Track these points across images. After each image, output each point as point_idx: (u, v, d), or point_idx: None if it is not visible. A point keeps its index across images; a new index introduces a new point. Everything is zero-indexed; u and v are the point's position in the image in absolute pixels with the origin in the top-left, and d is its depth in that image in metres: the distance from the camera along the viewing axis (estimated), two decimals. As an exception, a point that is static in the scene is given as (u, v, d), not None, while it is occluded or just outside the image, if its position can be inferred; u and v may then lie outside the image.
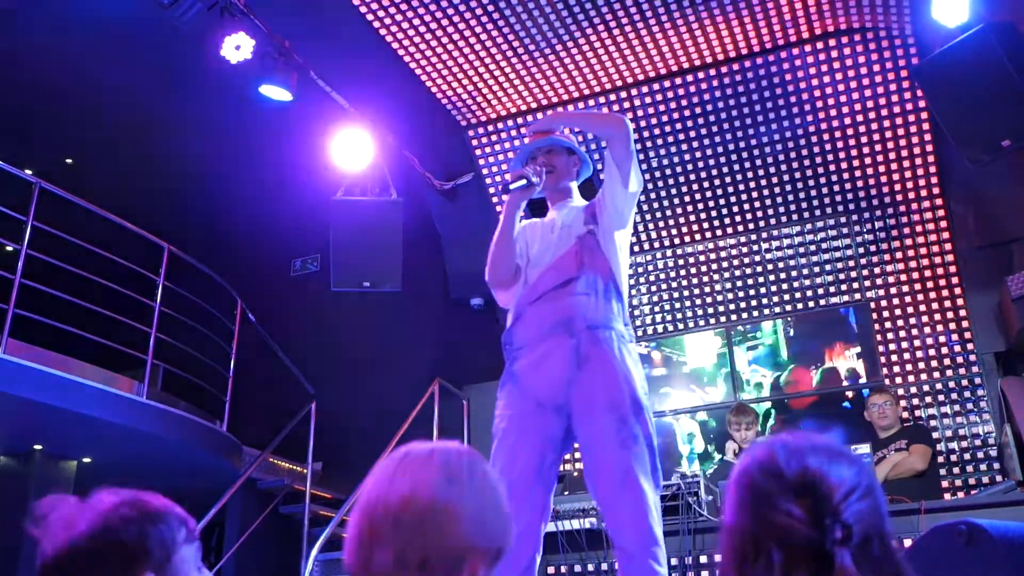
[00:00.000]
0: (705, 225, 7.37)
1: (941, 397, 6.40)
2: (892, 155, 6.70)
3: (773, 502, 1.21)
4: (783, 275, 7.13)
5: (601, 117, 3.08)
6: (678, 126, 6.98)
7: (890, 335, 6.65)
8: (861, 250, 6.92)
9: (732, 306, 7.23)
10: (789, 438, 1.30)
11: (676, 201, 7.34)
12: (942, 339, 6.51)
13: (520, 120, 7.20)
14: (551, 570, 4.80)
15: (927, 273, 6.67)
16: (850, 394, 6.59)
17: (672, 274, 7.48)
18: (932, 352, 6.52)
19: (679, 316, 7.37)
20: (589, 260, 3.00)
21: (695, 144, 7.03)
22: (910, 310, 6.65)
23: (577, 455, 6.60)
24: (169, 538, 1.41)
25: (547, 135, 3.24)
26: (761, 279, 7.19)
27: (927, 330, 6.57)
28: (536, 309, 2.98)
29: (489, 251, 3.12)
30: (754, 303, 7.17)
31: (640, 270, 7.59)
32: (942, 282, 6.62)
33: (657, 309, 7.45)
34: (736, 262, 7.30)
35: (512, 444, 2.85)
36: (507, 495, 2.73)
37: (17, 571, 5.69)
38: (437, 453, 1.28)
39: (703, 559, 4.54)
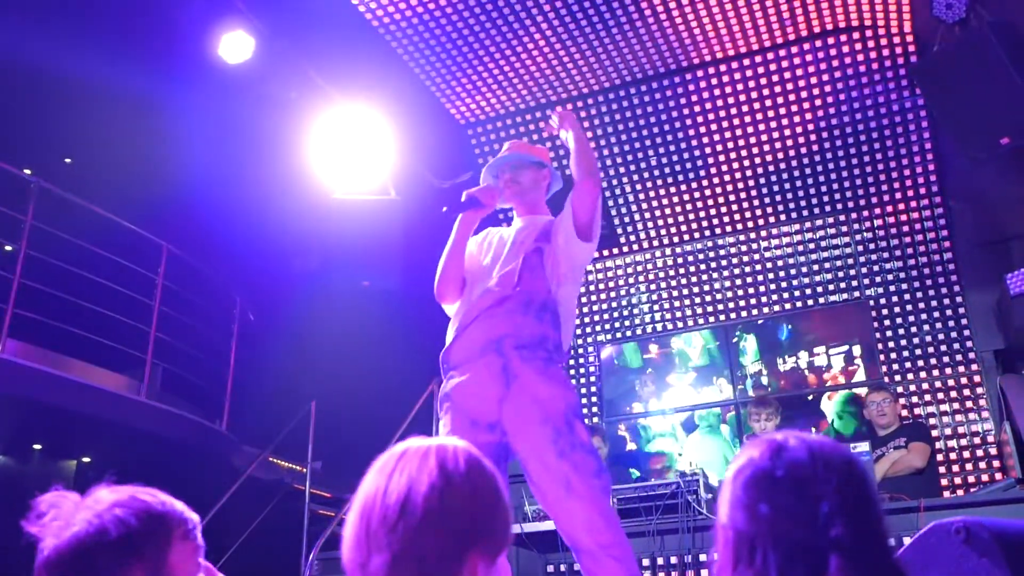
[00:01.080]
0: (704, 223, 7.37)
1: (940, 395, 6.40)
2: (891, 153, 6.70)
3: (769, 501, 1.22)
4: (782, 273, 7.13)
5: (592, 165, 3.04)
6: (677, 124, 6.98)
7: (889, 333, 6.65)
8: (860, 248, 6.92)
9: (731, 304, 7.23)
10: (784, 438, 1.30)
11: (675, 199, 7.34)
12: (941, 337, 6.51)
13: (519, 119, 7.20)
14: (551, 568, 4.81)
15: (926, 271, 6.67)
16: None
17: (671, 272, 7.48)
18: (931, 350, 6.51)
19: (678, 314, 7.37)
20: (528, 278, 3.01)
21: (694, 142, 7.03)
22: (909, 308, 6.65)
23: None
24: (163, 536, 1.40)
25: (518, 149, 3.29)
26: (760, 277, 7.19)
27: (926, 328, 6.57)
28: (471, 329, 2.99)
29: (439, 266, 3.16)
30: (753, 301, 7.17)
31: (639, 268, 7.59)
32: (941, 280, 6.62)
33: (656, 307, 7.45)
34: (735, 260, 7.30)
35: None
36: None
37: (17, 570, 5.69)
38: (434, 451, 1.27)
39: (702, 557, 4.55)
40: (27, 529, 1.40)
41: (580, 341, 7.57)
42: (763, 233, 7.25)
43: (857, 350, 6.65)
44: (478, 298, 3.04)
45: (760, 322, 7.04)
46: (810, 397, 6.73)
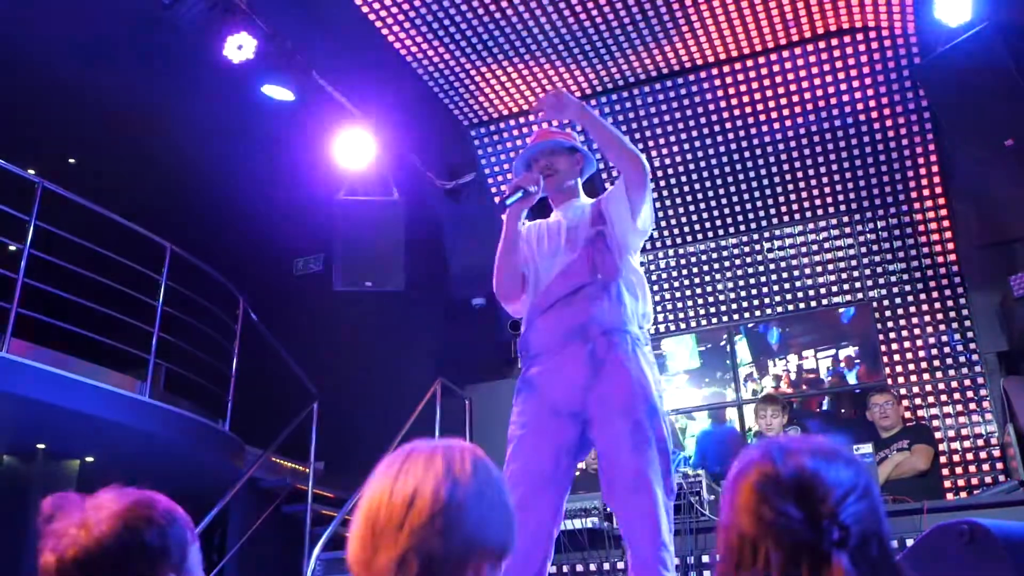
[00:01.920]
0: (707, 225, 7.37)
1: (943, 397, 6.40)
2: (894, 154, 6.70)
3: (770, 503, 1.21)
4: (785, 275, 7.12)
5: (627, 149, 2.97)
6: (680, 125, 6.98)
7: (892, 335, 6.65)
8: (863, 249, 6.92)
9: (734, 305, 7.23)
10: (786, 439, 1.30)
11: (678, 200, 7.34)
12: (944, 339, 6.50)
13: (522, 120, 7.20)
14: (552, 569, 4.80)
15: (929, 273, 6.67)
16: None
17: (674, 273, 7.48)
18: (934, 352, 6.51)
19: (681, 315, 7.37)
20: (600, 263, 2.99)
21: (697, 144, 7.02)
22: (912, 310, 6.65)
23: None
24: (184, 538, 1.41)
25: (548, 137, 3.23)
26: (763, 279, 7.19)
27: (929, 329, 6.56)
28: (550, 316, 2.96)
29: (494, 264, 3.11)
30: (756, 303, 7.16)
31: (642, 269, 7.57)
32: (944, 282, 6.61)
33: (659, 308, 7.44)
34: (738, 262, 7.31)
35: (527, 449, 2.86)
36: (520, 499, 2.74)
37: (20, 570, 5.70)
38: (441, 452, 1.27)
39: (705, 559, 4.55)
40: (38, 529, 1.39)
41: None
42: (766, 234, 7.25)
43: (845, 353, 6.60)
44: (549, 286, 3.01)
45: (750, 325, 7.03)
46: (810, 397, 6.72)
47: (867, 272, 6.87)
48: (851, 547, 1.19)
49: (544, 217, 3.28)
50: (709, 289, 7.34)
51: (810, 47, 6.44)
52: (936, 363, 6.49)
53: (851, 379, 6.51)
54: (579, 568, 4.80)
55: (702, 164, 7.11)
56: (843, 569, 1.17)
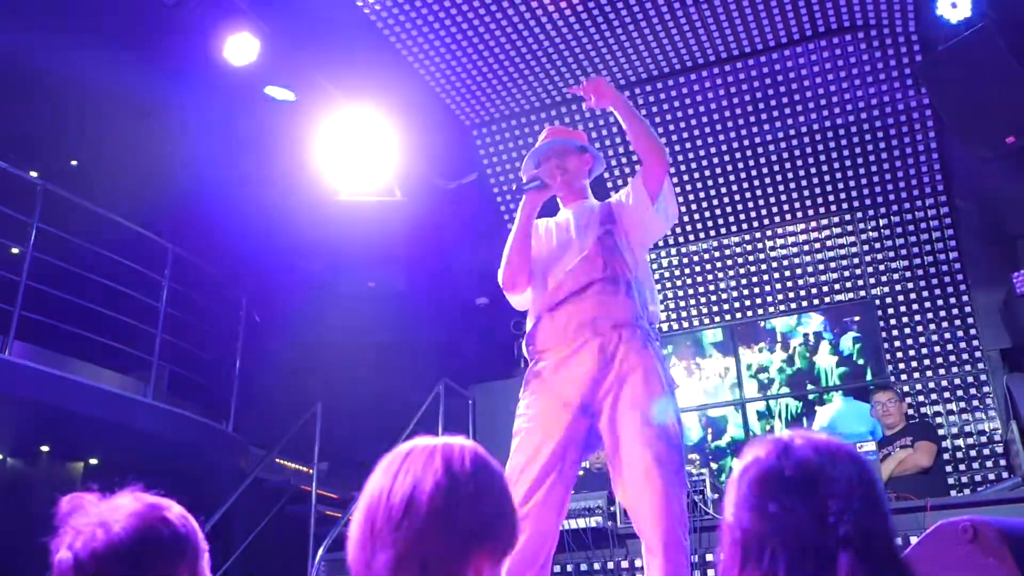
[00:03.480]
0: (709, 223, 7.36)
1: (947, 394, 6.39)
2: (896, 152, 6.69)
3: (776, 500, 1.21)
4: (788, 273, 7.12)
5: (653, 139, 3.03)
6: (682, 124, 6.97)
7: (895, 332, 6.64)
8: (865, 247, 6.91)
9: (737, 304, 7.22)
10: (791, 437, 1.30)
11: (680, 200, 7.33)
12: (947, 336, 6.50)
13: (524, 120, 7.20)
14: (556, 568, 4.81)
15: (932, 270, 6.66)
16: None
17: (676, 272, 7.47)
18: (937, 349, 6.50)
19: (684, 314, 7.37)
20: (610, 260, 3.01)
21: (699, 143, 7.02)
22: (915, 307, 6.64)
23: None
24: (198, 542, 1.42)
25: (560, 135, 3.25)
26: (766, 277, 7.19)
27: (932, 327, 6.55)
28: (560, 311, 2.97)
29: (504, 254, 3.11)
30: (759, 301, 7.16)
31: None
32: (947, 279, 6.61)
33: (662, 307, 7.44)
34: (740, 260, 7.30)
35: (535, 442, 2.86)
36: (527, 492, 2.73)
37: (24, 571, 5.71)
38: (440, 450, 1.26)
39: (709, 557, 4.55)
40: (55, 526, 1.40)
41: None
42: (768, 233, 7.24)
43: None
44: (559, 284, 3.02)
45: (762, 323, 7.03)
46: (811, 396, 6.72)
47: (869, 270, 6.86)
48: (857, 545, 1.19)
49: (551, 216, 3.29)
50: (712, 288, 7.34)
51: (811, 45, 6.43)
52: (939, 360, 6.48)
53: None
54: (583, 567, 4.80)
55: (704, 163, 7.10)
56: (849, 566, 1.17)
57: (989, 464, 6.12)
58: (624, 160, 7.23)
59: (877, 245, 6.88)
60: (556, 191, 3.18)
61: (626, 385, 2.83)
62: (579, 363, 2.89)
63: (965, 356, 6.42)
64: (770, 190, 7.11)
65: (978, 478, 6.11)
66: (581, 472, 6.53)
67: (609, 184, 7.34)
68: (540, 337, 3.02)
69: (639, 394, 2.81)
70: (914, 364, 6.54)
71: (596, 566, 4.80)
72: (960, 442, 6.24)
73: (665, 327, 7.38)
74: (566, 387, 2.89)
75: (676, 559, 2.67)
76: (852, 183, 6.90)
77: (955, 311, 6.52)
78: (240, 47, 5.40)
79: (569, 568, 4.74)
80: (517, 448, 2.90)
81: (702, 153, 7.06)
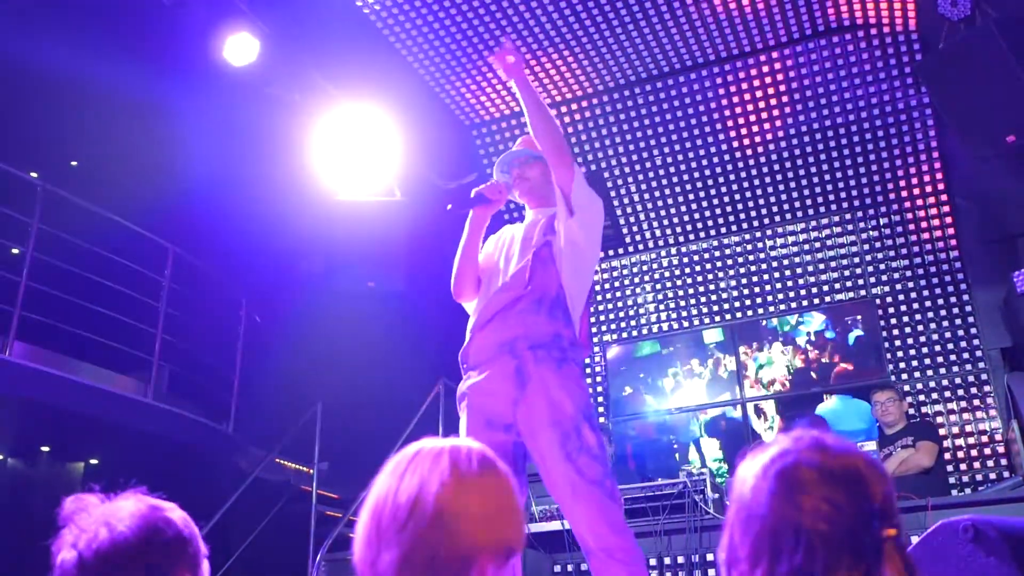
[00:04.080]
0: (709, 223, 7.36)
1: (948, 393, 6.39)
2: (896, 151, 6.69)
3: (817, 494, 1.22)
4: (788, 272, 7.12)
5: (550, 130, 3.01)
6: (681, 124, 6.97)
7: (896, 331, 6.64)
8: (866, 247, 6.91)
9: (737, 304, 7.22)
10: (828, 436, 1.32)
11: (680, 199, 7.33)
12: (948, 335, 6.50)
13: (523, 119, 7.19)
14: (557, 568, 4.81)
15: (932, 269, 6.66)
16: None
17: (676, 272, 7.47)
18: (938, 348, 6.50)
19: (684, 314, 7.37)
20: (540, 274, 2.99)
21: (699, 142, 7.02)
22: (915, 306, 6.64)
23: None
24: (199, 545, 1.42)
25: (525, 144, 3.28)
26: (766, 276, 7.18)
27: (933, 326, 6.55)
28: (487, 329, 3.00)
29: (453, 264, 3.15)
30: (759, 300, 7.16)
31: (644, 268, 7.59)
32: (947, 278, 6.60)
33: (662, 307, 7.44)
34: (741, 260, 7.30)
35: None
36: None
37: (25, 571, 5.71)
38: (448, 452, 1.26)
39: (709, 557, 4.54)
40: (59, 526, 1.40)
41: (586, 341, 7.56)
42: (769, 232, 7.24)
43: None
44: (492, 298, 3.04)
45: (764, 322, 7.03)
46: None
47: (869, 269, 6.86)
48: (895, 544, 1.22)
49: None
50: (712, 288, 7.34)
51: (811, 44, 6.43)
52: (940, 359, 6.48)
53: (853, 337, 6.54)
54: (583, 567, 4.79)
55: (704, 162, 7.10)
56: (899, 561, 1.20)
57: (990, 463, 6.12)
58: (624, 160, 7.23)
59: (877, 244, 6.87)
60: (500, 205, 3.20)
61: (542, 405, 2.84)
62: (496, 383, 2.91)
63: (966, 355, 6.42)
64: (770, 189, 7.11)
65: (979, 477, 6.11)
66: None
67: (609, 184, 7.35)
68: (469, 355, 3.04)
69: (555, 413, 2.82)
70: (915, 363, 6.54)
71: (574, 567, 4.80)
72: (961, 441, 6.24)
73: (665, 327, 7.38)
74: (487, 406, 2.92)
75: (631, 559, 2.71)
76: (852, 182, 6.90)
77: (955, 310, 6.52)
78: (240, 47, 5.39)
79: (569, 568, 4.74)
80: None
81: (702, 152, 7.06)
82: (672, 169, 7.20)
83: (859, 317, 6.66)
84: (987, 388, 6.29)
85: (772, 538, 1.23)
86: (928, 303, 6.61)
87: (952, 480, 6.04)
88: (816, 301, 6.96)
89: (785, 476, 1.26)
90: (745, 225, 7.29)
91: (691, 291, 7.40)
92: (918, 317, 6.61)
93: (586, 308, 3.12)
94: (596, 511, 2.72)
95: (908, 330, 6.62)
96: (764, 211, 7.21)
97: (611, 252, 7.66)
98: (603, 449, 2.86)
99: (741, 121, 6.87)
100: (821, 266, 7.03)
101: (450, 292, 3.32)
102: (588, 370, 7.53)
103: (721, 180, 7.16)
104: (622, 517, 2.81)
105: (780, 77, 6.61)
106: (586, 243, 3.06)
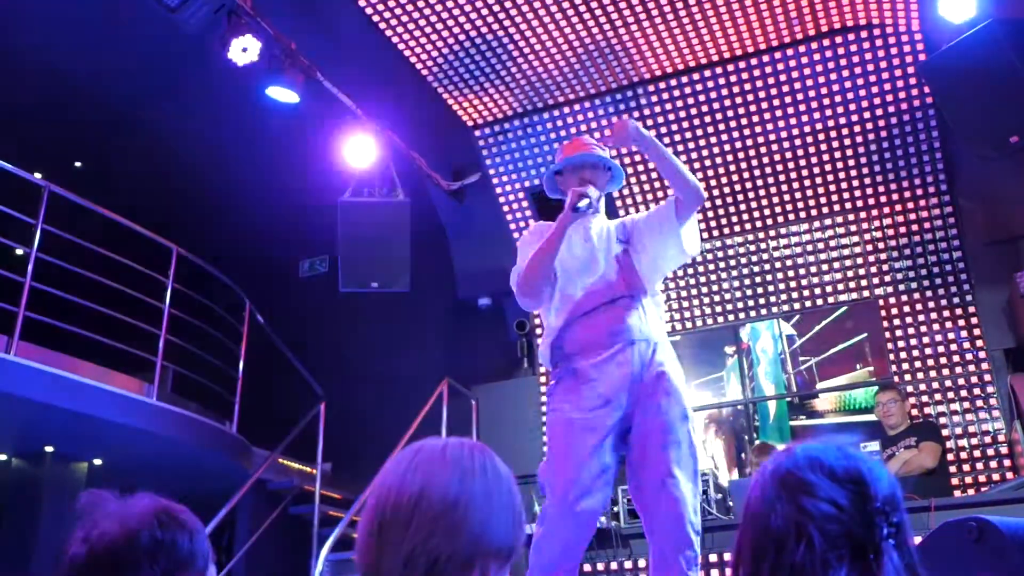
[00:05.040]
0: (712, 224, 7.36)
1: (951, 394, 6.38)
2: (900, 152, 6.69)
3: (821, 493, 1.25)
4: (791, 273, 7.11)
5: (689, 180, 3.16)
6: (684, 124, 6.97)
7: (899, 332, 6.64)
8: (869, 247, 6.90)
9: (740, 304, 7.22)
10: (834, 442, 1.34)
11: (683, 200, 7.31)
12: (951, 336, 6.49)
13: (526, 120, 7.21)
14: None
15: (935, 270, 6.65)
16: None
17: (680, 272, 7.46)
18: (941, 349, 6.49)
19: (687, 315, 7.37)
20: (629, 279, 3.15)
21: (702, 142, 7.02)
22: (919, 307, 6.63)
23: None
24: (208, 549, 1.43)
25: (589, 151, 3.31)
26: (769, 277, 7.18)
27: (936, 327, 6.54)
28: (594, 317, 3.09)
29: (531, 263, 3.17)
30: (762, 301, 7.16)
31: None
32: (951, 279, 6.59)
33: (665, 307, 7.43)
34: (744, 260, 7.29)
35: (587, 438, 2.95)
36: (587, 486, 2.85)
37: (31, 571, 5.72)
38: (450, 449, 1.26)
39: (712, 557, 4.55)
40: (70, 522, 1.41)
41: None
42: (772, 233, 7.24)
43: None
44: (590, 292, 3.14)
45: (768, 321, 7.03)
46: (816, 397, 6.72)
47: (873, 270, 6.85)
48: (898, 542, 1.24)
49: (553, 219, 3.31)
50: (715, 288, 7.33)
51: (815, 45, 6.43)
52: (943, 360, 6.47)
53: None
54: (587, 568, 4.80)
55: (707, 163, 7.10)
56: (893, 562, 1.21)
57: (993, 464, 6.11)
58: (626, 160, 7.23)
59: (880, 245, 6.87)
60: (596, 212, 3.27)
61: (655, 392, 2.98)
62: (616, 365, 3.01)
63: (969, 356, 6.41)
64: (773, 190, 7.10)
65: (982, 478, 6.10)
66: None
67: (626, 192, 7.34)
68: (571, 340, 3.11)
69: (665, 402, 2.96)
70: (918, 364, 6.53)
71: (600, 566, 4.80)
72: (964, 442, 6.23)
73: (668, 327, 7.38)
74: (605, 385, 2.99)
75: (689, 562, 2.78)
76: (855, 183, 6.90)
77: (959, 311, 6.51)
78: (243, 48, 5.40)
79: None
80: (568, 444, 2.97)
81: (705, 153, 7.06)
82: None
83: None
84: (990, 389, 6.28)
85: (775, 538, 1.24)
86: (931, 304, 6.60)
87: (955, 481, 6.04)
88: (819, 302, 6.96)
89: (788, 477, 1.28)
90: (748, 226, 7.29)
91: (694, 292, 7.40)
92: (921, 318, 6.60)
93: None
94: (682, 505, 2.82)
95: (911, 331, 6.61)
96: (767, 211, 7.20)
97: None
98: (694, 447, 2.98)
99: (744, 122, 6.87)
100: (824, 267, 7.02)
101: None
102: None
103: (724, 181, 7.16)
104: (698, 517, 2.90)
105: (784, 78, 6.61)
106: (671, 263, 3.30)
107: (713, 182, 7.18)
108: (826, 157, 6.87)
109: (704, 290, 7.37)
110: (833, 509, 1.23)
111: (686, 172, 3.14)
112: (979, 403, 6.28)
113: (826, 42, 6.40)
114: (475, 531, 1.19)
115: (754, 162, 7.02)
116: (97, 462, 6.63)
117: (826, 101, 6.64)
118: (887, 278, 6.80)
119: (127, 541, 1.34)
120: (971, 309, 6.48)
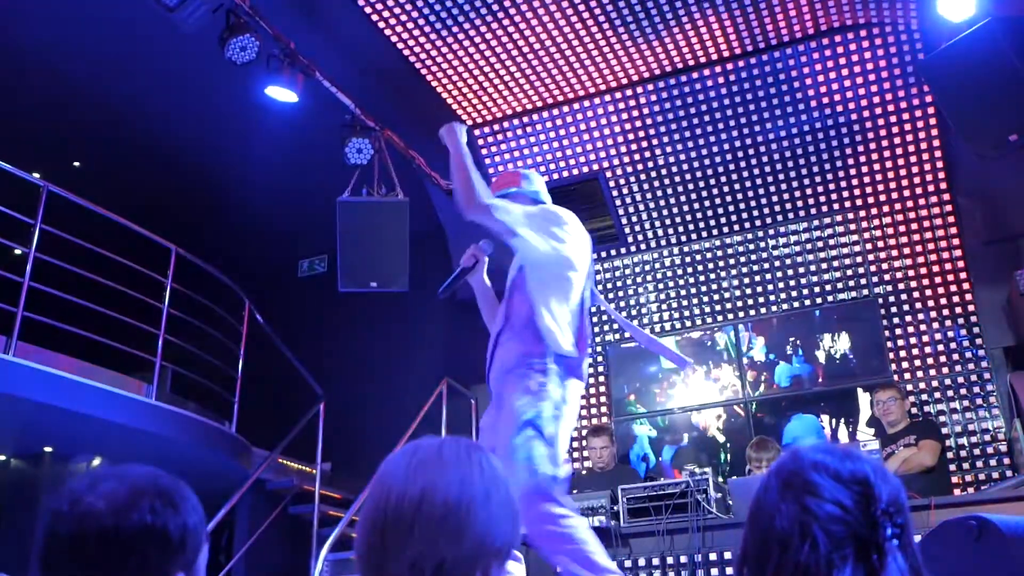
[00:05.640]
0: (712, 222, 7.36)
1: (950, 392, 6.38)
2: (899, 150, 6.69)
3: (826, 494, 1.26)
4: (790, 271, 7.11)
5: (461, 191, 3.19)
6: (684, 123, 6.97)
7: (898, 331, 6.64)
8: (869, 246, 6.90)
9: (740, 303, 7.22)
10: (839, 445, 1.36)
11: (683, 199, 7.33)
12: (951, 334, 6.49)
13: (525, 119, 7.20)
14: (559, 568, 4.79)
15: (935, 268, 6.65)
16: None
17: (679, 271, 7.47)
18: (940, 347, 6.49)
19: (686, 313, 7.36)
20: (516, 305, 3.20)
21: (701, 141, 7.02)
22: (918, 306, 6.63)
23: (582, 454, 6.61)
24: (200, 540, 1.37)
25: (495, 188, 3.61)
26: (768, 276, 7.18)
27: (935, 325, 6.55)
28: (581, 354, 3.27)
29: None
30: (761, 300, 7.15)
31: (646, 268, 7.58)
32: (950, 277, 6.60)
33: (664, 307, 7.44)
34: (743, 259, 7.29)
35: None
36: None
37: (28, 571, 5.71)
38: (447, 449, 1.25)
39: (712, 556, 4.54)
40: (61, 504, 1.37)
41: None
42: (771, 231, 7.24)
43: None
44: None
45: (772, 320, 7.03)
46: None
47: (872, 268, 6.85)
48: (903, 542, 1.26)
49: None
50: (714, 287, 7.33)
51: (814, 43, 6.43)
52: (942, 359, 6.47)
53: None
54: (586, 567, 4.78)
55: (706, 162, 7.10)
56: (896, 562, 1.23)
57: (993, 462, 6.11)
58: (626, 160, 7.22)
59: (880, 243, 6.87)
60: (481, 265, 3.46)
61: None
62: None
63: (968, 354, 6.41)
64: (772, 188, 7.10)
65: (982, 476, 6.10)
66: (584, 472, 6.54)
67: (611, 183, 7.35)
68: (579, 364, 3.23)
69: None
70: (917, 363, 6.53)
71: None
72: (964, 441, 6.23)
73: (668, 326, 7.38)
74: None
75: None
76: (855, 181, 6.90)
77: (958, 309, 6.52)
78: (241, 48, 5.39)
79: (572, 568, 4.74)
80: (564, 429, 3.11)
81: (704, 152, 7.06)
82: (674, 168, 7.20)
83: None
84: (990, 387, 6.28)
85: (780, 538, 1.25)
86: (931, 302, 6.60)
87: (955, 479, 6.04)
88: (819, 300, 6.96)
89: (793, 478, 1.29)
90: (747, 224, 7.29)
91: (693, 291, 7.39)
92: (921, 317, 6.60)
93: (581, 312, 3.25)
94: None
95: (911, 329, 6.61)
96: (766, 210, 7.20)
97: (613, 252, 7.66)
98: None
99: (743, 120, 6.86)
100: (824, 265, 7.02)
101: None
102: (590, 370, 7.52)
103: (723, 179, 7.16)
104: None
105: (783, 76, 6.61)
106: (544, 253, 3.18)
107: (712, 181, 7.18)
108: (825, 156, 6.87)
109: (703, 289, 7.36)
110: (838, 510, 1.24)
111: (461, 181, 3.17)
112: (979, 401, 6.29)
113: (825, 41, 6.40)
114: (478, 532, 1.19)
115: (753, 161, 7.02)
116: (96, 462, 6.62)
117: (825, 100, 6.64)
118: (887, 276, 6.79)
119: (108, 526, 1.28)
120: (970, 307, 6.48)
